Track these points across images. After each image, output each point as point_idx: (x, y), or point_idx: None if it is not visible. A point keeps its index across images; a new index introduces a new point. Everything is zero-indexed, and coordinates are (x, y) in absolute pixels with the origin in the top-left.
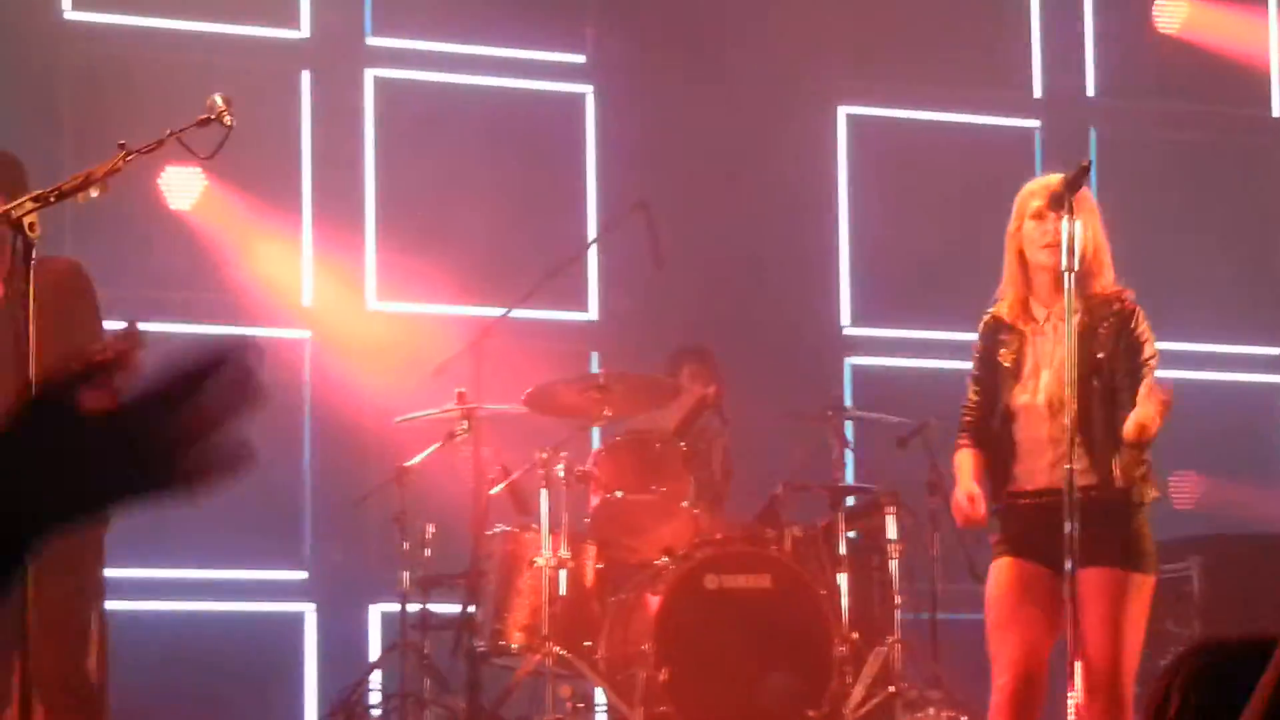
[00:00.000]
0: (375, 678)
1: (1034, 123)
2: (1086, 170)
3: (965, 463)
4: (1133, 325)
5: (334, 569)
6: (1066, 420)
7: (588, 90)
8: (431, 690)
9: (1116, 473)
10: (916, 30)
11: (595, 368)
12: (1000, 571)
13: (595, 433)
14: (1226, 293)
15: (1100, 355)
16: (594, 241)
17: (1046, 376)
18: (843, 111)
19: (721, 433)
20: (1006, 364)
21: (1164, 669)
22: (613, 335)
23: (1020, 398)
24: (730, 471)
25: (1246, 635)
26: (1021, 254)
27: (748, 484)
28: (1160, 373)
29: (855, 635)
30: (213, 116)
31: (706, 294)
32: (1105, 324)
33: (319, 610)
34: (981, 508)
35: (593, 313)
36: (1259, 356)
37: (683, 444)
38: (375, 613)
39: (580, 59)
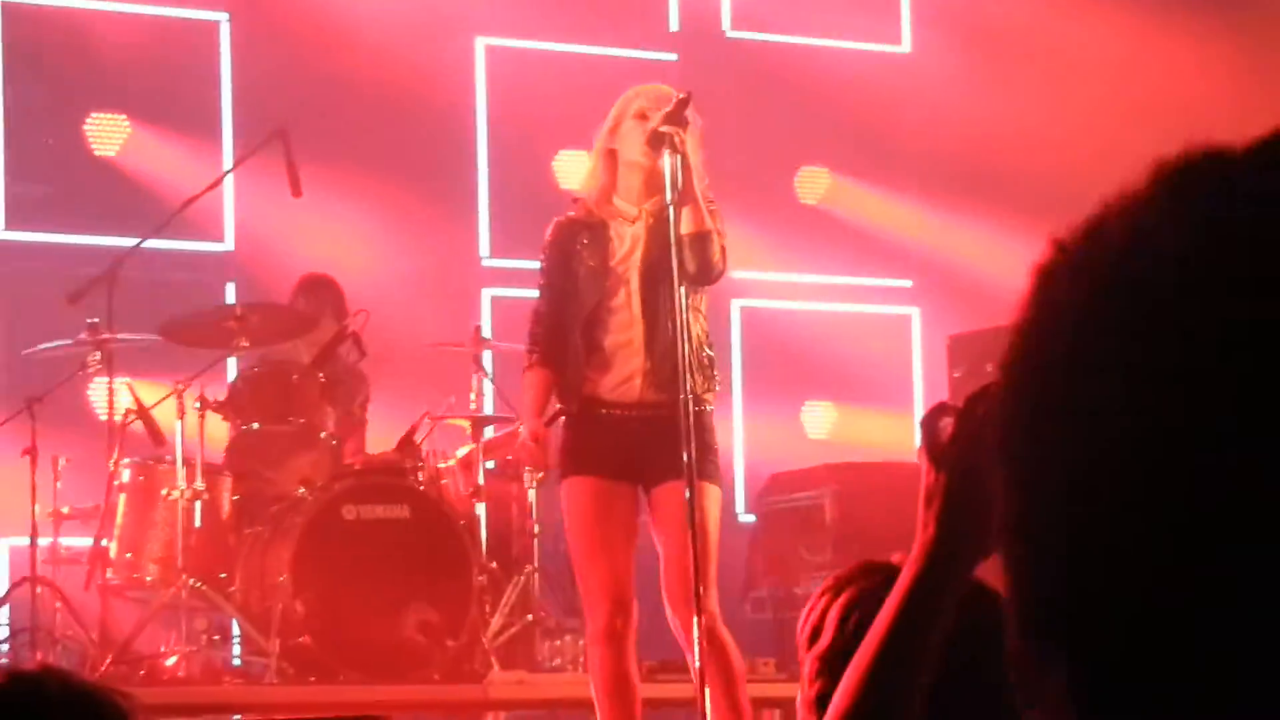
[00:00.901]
0: (3, 612)
1: (670, 56)
2: (686, 103)
3: (535, 389)
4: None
5: None
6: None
7: (223, 18)
8: (63, 624)
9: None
10: None
11: (232, 298)
12: (589, 491)
13: (231, 363)
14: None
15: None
16: (230, 170)
17: (636, 281)
18: (481, 42)
19: (360, 363)
20: (591, 263)
21: (816, 596)
22: (248, 265)
23: (611, 300)
24: (368, 402)
25: (887, 562)
26: (613, 152)
27: (389, 415)
28: (798, 305)
29: (494, 565)
30: None
31: (346, 224)
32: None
33: None
34: (546, 453)
35: (229, 242)
36: (891, 289)
37: (321, 375)
38: (3, 546)
39: None
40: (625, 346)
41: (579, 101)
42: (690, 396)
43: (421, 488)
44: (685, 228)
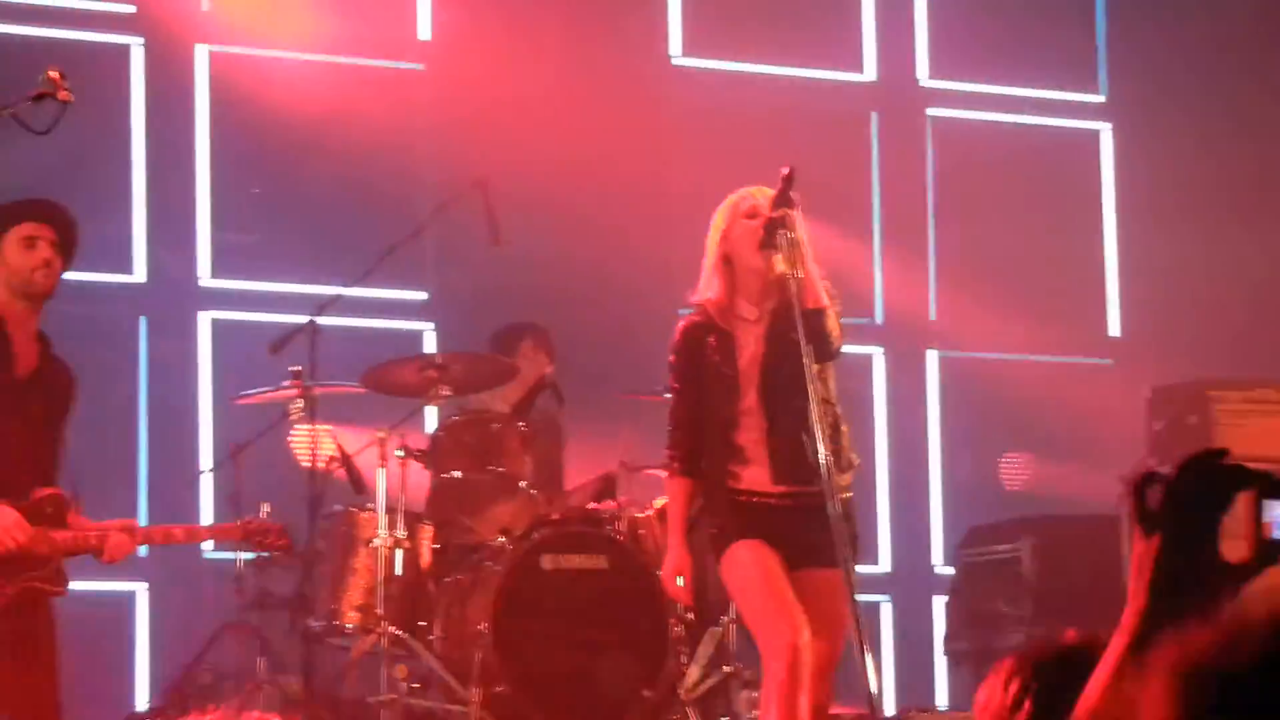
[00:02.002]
0: (208, 659)
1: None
2: (790, 180)
3: (677, 500)
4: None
5: (169, 549)
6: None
7: (419, 68)
8: (266, 670)
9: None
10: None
11: (431, 346)
12: (746, 550)
13: (431, 412)
14: (1051, 276)
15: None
16: (430, 220)
17: (760, 380)
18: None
19: (558, 412)
20: (723, 368)
21: (1009, 667)
22: (449, 313)
23: (742, 403)
24: (565, 451)
25: (1085, 635)
26: (727, 257)
27: (585, 464)
28: (996, 356)
29: (690, 615)
30: (47, 91)
31: (543, 272)
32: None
33: (151, 589)
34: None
35: (428, 291)
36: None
37: (521, 424)
38: (210, 592)
39: (420, 36)
40: (759, 444)
41: (781, 146)
42: (832, 483)
43: (619, 538)
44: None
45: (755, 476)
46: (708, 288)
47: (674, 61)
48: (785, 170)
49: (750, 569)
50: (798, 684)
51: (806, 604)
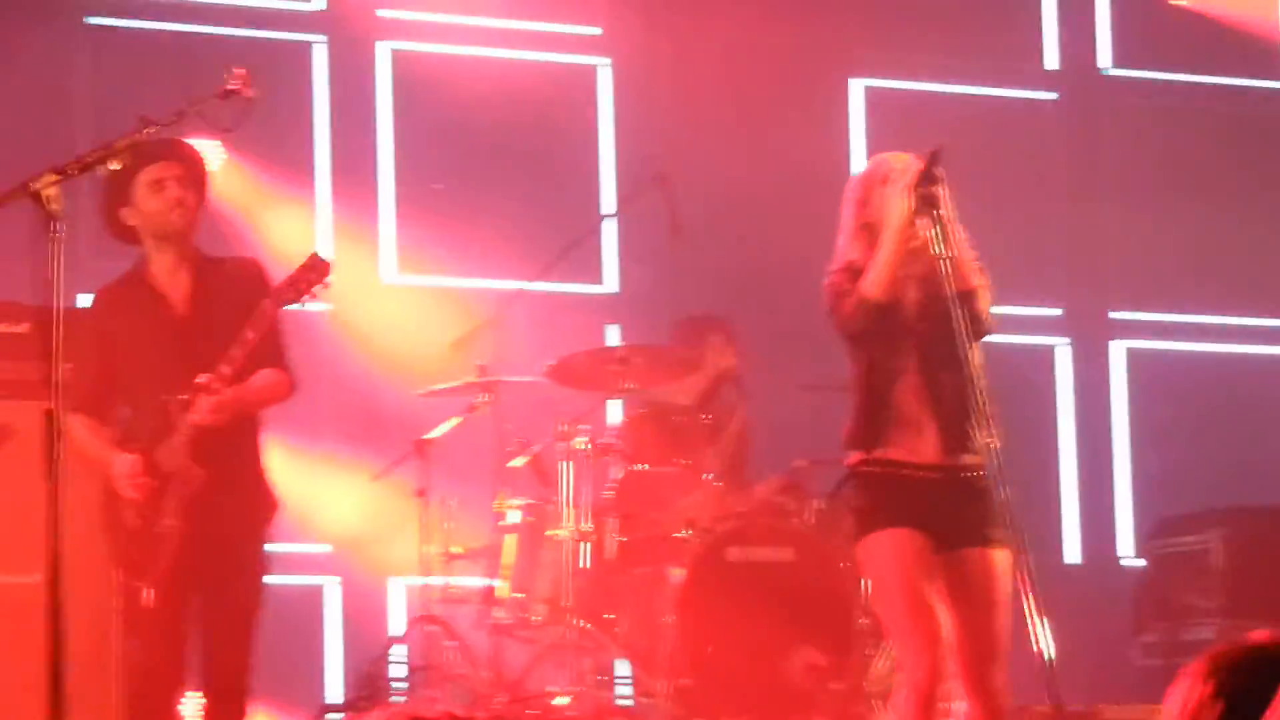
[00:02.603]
0: (400, 651)
1: (1049, 95)
2: (939, 157)
3: None
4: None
5: (356, 542)
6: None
7: (604, 62)
8: (455, 663)
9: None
10: (931, 2)
11: (613, 340)
12: (891, 542)
13: (614, 405)
14: (1242, 263)
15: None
16: (613, 214)
17: (916, 346)
18: (856, 84)
19: (741, 404)
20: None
21: (1199, 670)
22: (631, 307)
23: (901, 364)
24: (749, 443)
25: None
26: (869, 226)
27: (768, 456)
28: (1185, 345)
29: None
30: (233, 88)
31: (724, 265)
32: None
33: (342, 585)
34: None
35: (611, 285)
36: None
37: (705, 416)
38: (397, 586)
39: (597, 31)
40: (916, 410)
41: (957, 141)
42: (994, 454)
43: (805, 529)
44: (954, 285)
45: (913, 446)
46: (848, 254)
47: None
48: (933, 147)
49: (893, 566)
50: (933, 698)
51: (962, 586)
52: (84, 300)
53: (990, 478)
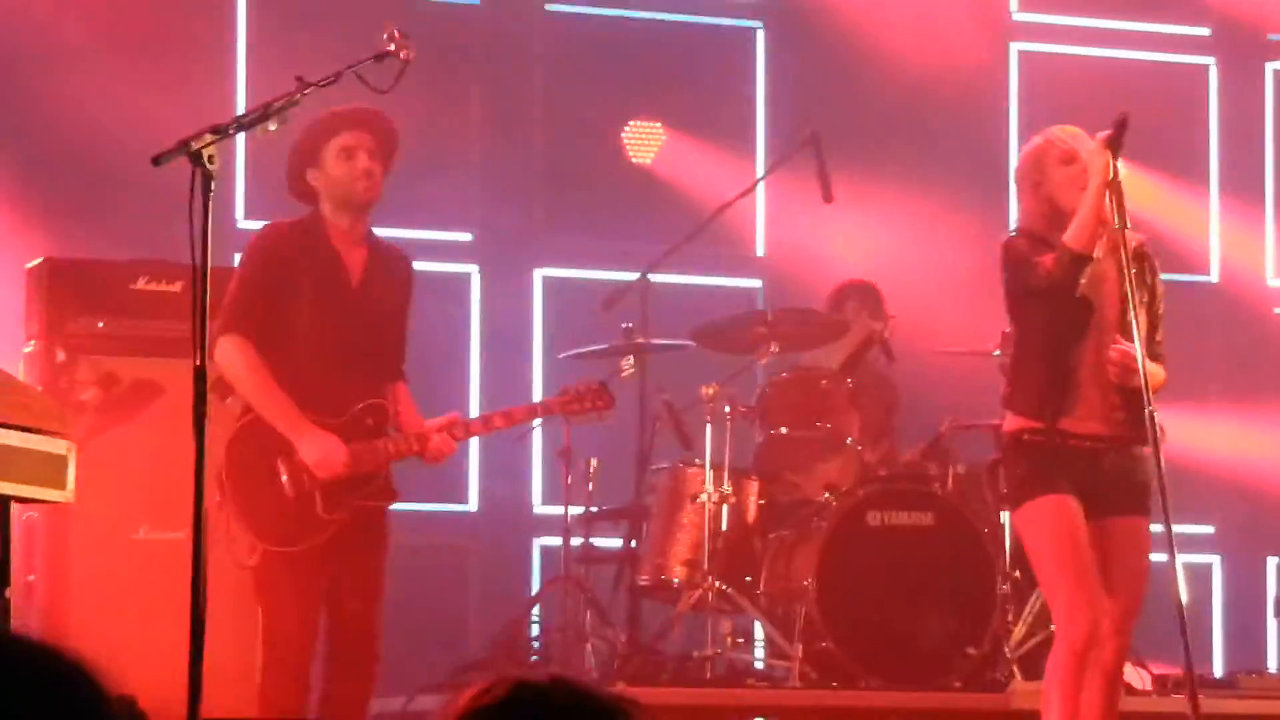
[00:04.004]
0: (536, 610)
1: (1208, 59)
2: (1125, 125)
3: None
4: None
5: (498, 499)
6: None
7: (757, 25)
8: (592, 624)
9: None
10: None
11: (762, 304)
12: (1054, 508)
13: (760, 369)
14: None
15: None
16: (763, 177)
17: (1097, 315)
18: (1015, 48)
19: (888, 369)
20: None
21: None
22: (779, 271)
23: (1083, 332)
24: (895, 408)
25: None
26: (1049, 200)
27: (915, 421)
28: None
29: (1017, 574)
30: (390, 50)
31: (874, 230)
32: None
33: (485, 544)
34: None
35: (760, 249)
36: None
37: (849, 380)
38: (537, 546)
39: None
40: (1088, 378)
41: (1114, 105)
42: (1156, 427)
43: (946, 495)
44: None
45: (1083, 415)
46: (1025, 222)
47: (1014, 17)
48: (1121, 116)
49: (1058, 532)
50: (1086, 659)
51: (1114, 553)
52: (236, 260)
53: (1148, 447)
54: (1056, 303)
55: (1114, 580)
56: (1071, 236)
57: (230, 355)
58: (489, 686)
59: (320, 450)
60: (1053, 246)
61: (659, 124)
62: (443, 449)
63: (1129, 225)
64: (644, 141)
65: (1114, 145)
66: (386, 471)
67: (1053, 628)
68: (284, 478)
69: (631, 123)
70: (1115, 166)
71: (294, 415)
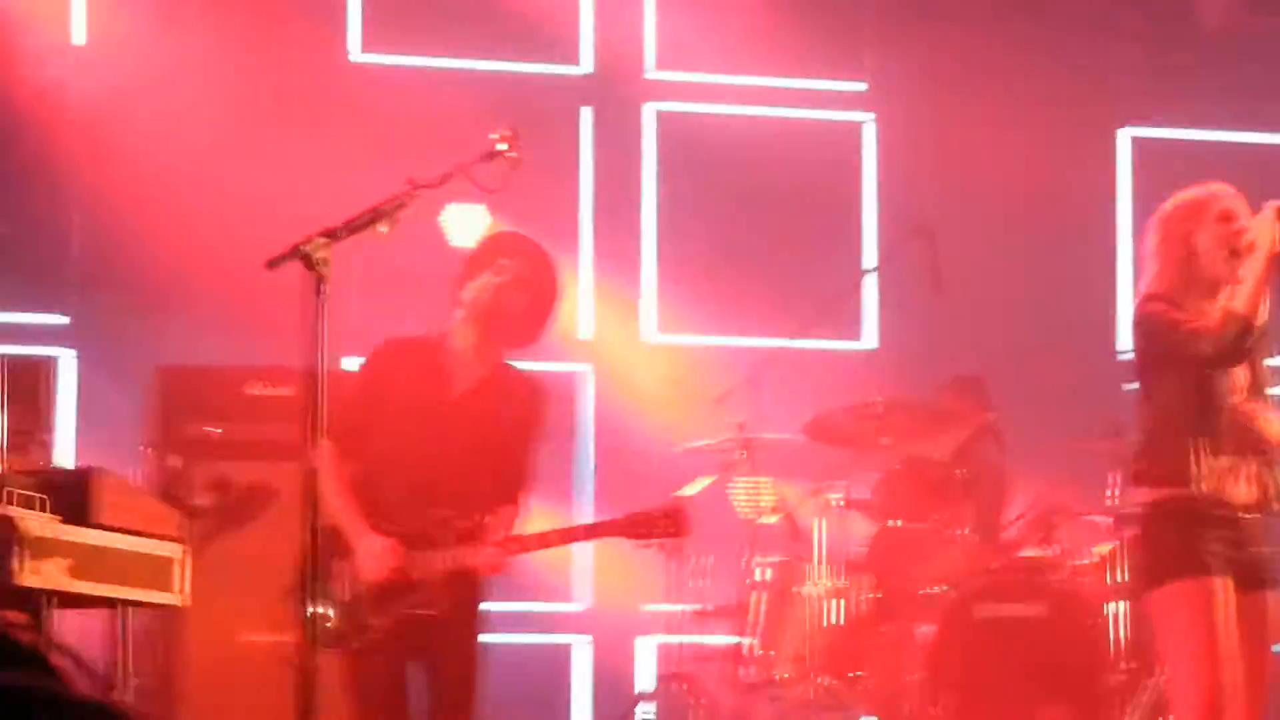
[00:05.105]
0: (645, 709)
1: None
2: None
3: None
4: None
5: (610, 602)
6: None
7: (869, 117)
8: (701, 717)
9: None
10: (1205, 56)
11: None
12: (1205, 593)
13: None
14: None
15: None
16: (873, 269)
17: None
18: (1125, 134)
19: (998, 459)
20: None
21: None
22: (890, 364)
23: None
24: (1005, 498)
25: None
26: (1191, 254)
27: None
28: None
29: (1132, 664)
30: (499, 150)
31: (984, 321)
32: None
33: (593, 643)
34: None
35: (870, 341)
36: None
37: (961, 471)
38: (647, 644)
39: (861, 86)
40: (1235, 446)
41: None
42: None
43: (1057, 585)
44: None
45: (1229, 484)
46: (1159, 286)
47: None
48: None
49: (1204, 617)
50: None
51: (1249, 629)
52: (348, 363)
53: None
54: (1212, 371)
55: (1250, 661)
56: (1241, 301)
57: (318, 458)
58: None
59: (370, 553)
60: (1184, 311)
61: (483, 205)
62: (491, 565)
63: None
64: (464, 224)
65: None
66: (441, 583)
67: None
68: (337, 578)
69: (450, 206)
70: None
71: (353, 518)
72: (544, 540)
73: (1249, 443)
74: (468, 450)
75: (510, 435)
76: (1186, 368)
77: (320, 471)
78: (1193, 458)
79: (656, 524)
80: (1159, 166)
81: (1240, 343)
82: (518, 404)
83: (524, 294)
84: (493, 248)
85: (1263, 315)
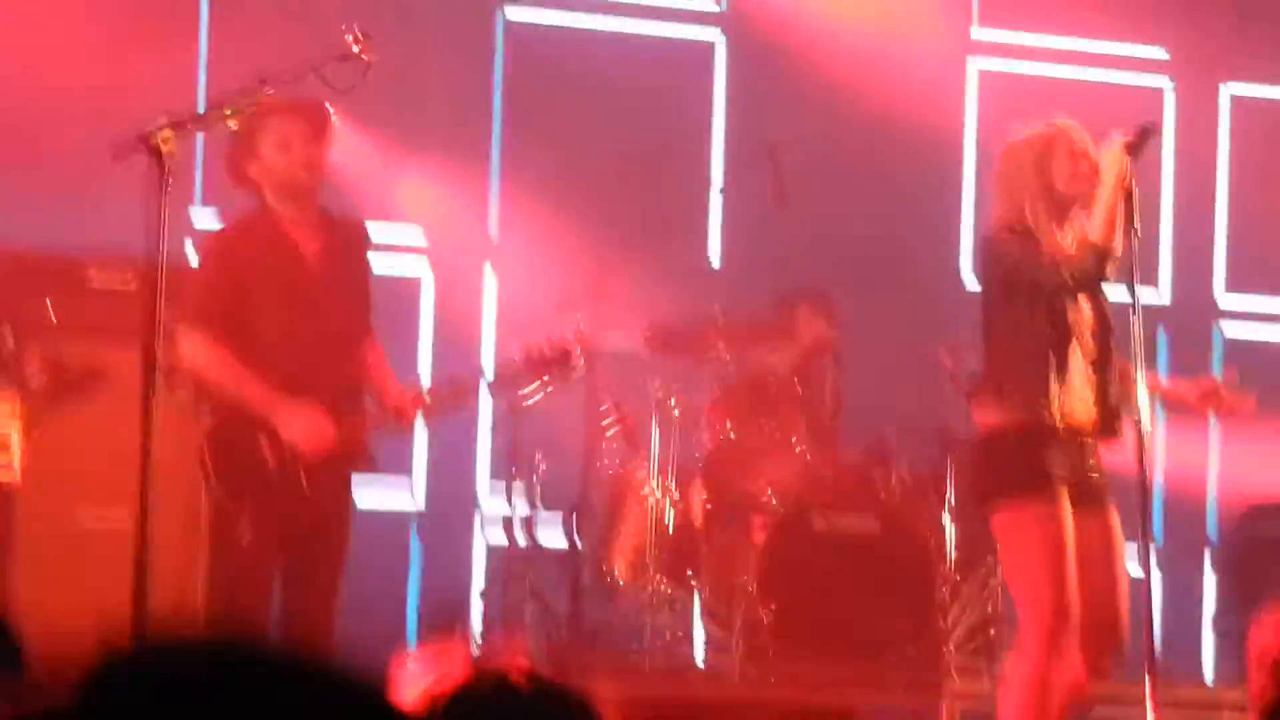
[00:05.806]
0: (479, 608)
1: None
2: (1148, 134)
3: None
4: None
5: (445, 498)
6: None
7: (719, 38)
8: (533, 618)
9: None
10: None
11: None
12: (1045, 511)
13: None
14: None
15: None
16: (720, 188)
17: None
18: (974, 63)
19: (835, 374)
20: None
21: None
22: (733, 281)
23: (1072, 321)
24: (840, 414)
25: None
26: (1047, 187)
27: (859, 427)
28: None
29: (958, 578)
30: (354, 51)
31: (827, 239)
32: None
33: (425, 534)
34: None
35: (714, 258)
36: None
37: (797, 385)
38: (481, 544)
39: (714, 8)
40: (1079, 370)
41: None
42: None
43: (890, 499)
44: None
45: (1077, 406)
46: (1009, 217)
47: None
48: (1149, 123)
49: (1041, 539)
50: (1053, 674)
51: (1088, 549)
52: (191, 251)
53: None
54: (1062, 298)
55: (1090, 581)
56: (1097, 231)
57: (194, 348)
58: (475, 677)
59: (303, 426)
60: (1039, 241)
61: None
62: (406, 421)
63: (1137, 230)
64: None
65: (1135, 150)
66: (366, 442)
67: (992, 632)
68: (268, 456)
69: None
70: (1132, 171)
71: (267, 393)
72: (458, 392)
73: (1094, 367)
74: (338, 308)
75: (361, 278)
76: (1038, 295)
77: (205, 357)
78: (1040, 382)
79: (547, 363)
80: (1002, 93)
81: (1099, 271)
82: (356, 248)
83: (317, 148)
84: (258, 119)
85: (1117, 245)
